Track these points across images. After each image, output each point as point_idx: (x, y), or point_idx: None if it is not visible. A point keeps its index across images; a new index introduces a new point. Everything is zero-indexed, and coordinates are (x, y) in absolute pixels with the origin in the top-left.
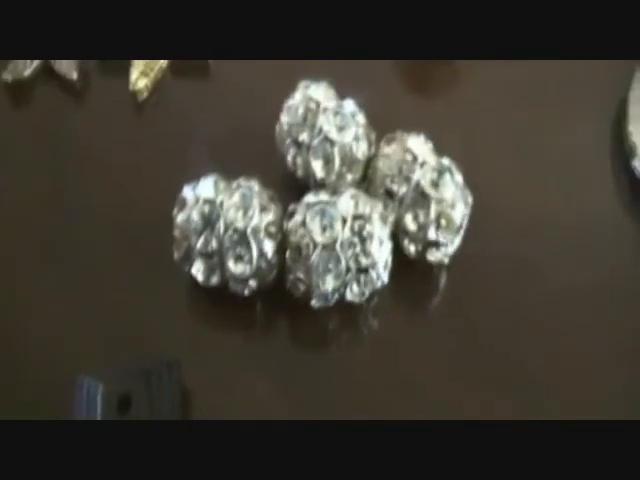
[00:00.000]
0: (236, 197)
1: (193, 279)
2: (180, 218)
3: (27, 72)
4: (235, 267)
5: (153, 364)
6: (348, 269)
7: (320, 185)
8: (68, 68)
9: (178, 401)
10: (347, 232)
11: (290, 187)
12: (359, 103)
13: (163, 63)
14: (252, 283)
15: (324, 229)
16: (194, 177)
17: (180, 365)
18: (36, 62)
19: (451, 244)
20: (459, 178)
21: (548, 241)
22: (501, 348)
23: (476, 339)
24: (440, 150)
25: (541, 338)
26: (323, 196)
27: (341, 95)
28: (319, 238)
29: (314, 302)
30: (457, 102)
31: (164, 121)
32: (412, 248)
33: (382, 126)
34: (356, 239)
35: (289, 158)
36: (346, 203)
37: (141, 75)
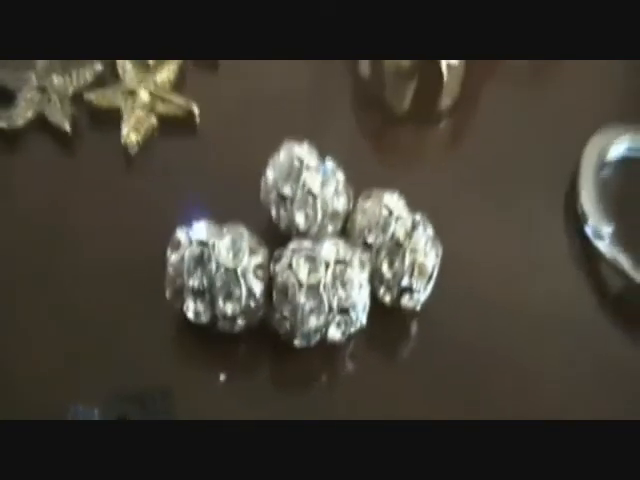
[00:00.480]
0: (227, 240)
1: (182, 317)
2: (173, 258)
3: (20, 121)
4: (225, 305)
5: (147, 391)
6: (330, 309)
7: (302, 235)
8: (60, 119)
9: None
10: (330, 275)
11: (274, 236)
12: (337, 162)
13: (153, 121)
14: (240, 322)
15: (309, 272)
16: (184, 223)
17: (173, 396)
18: (30, 112)
19: (423, 291)
20: (430, 231)
21: (510, 287)
22: (474, 391)
23: (452, 382)
24: (411, 206)
25: (513, 378)
26: (307, 243)
27: (321, 154)
28: (305, 280)
29: (297, 341)
30: (426, 163)
31: (154, 174)
32: (387, 296)
33: (357, 183)
34: (338, 282)
35: (273, 210)
36: (328, 249)
37: (132, 130)
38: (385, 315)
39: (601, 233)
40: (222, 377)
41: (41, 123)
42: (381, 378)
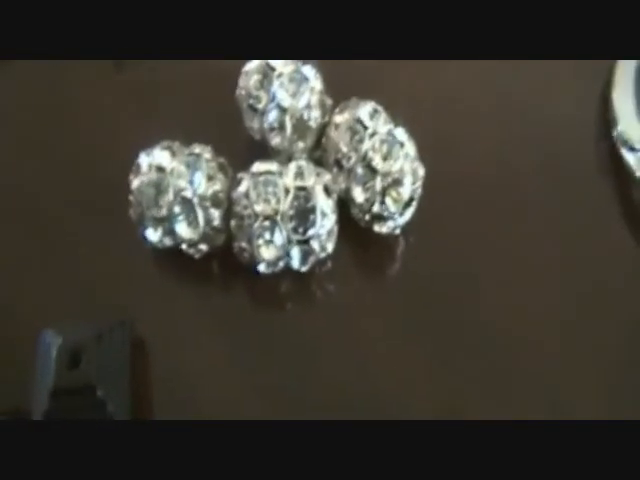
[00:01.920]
0: (186, 165)
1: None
2: (134, 184)
3: None
4: (184, 232)
5: (107, 322)
6: (289, 240)
7: (276, 151)
8: None
9: (127, 360)
10: (289, 204)
11: (248, 153)
12: (317, 68)
13: None
14: (202, 247)
15: (266, 200)
16: (156, 141)
17: (132, 325)
18: None
19: (400, 217)
20: (411, 150)
21: (505, 210)
22: (454, 316)
23: (430, 305)
24: (405, 118)
25: (496, 304)
26: (270, 166)
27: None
28: (260, 209)
29: (260, 268)
30: (427, 66)
31: (135, 85)
32: (360, 220)
33: (343, 91)
34: (298, 211)
35: (247, 123)
36: (291, 174)
37: None
38: (364, 235)
39: (632, 143)
40: (192, 303)
41: None
42: (360, 302)
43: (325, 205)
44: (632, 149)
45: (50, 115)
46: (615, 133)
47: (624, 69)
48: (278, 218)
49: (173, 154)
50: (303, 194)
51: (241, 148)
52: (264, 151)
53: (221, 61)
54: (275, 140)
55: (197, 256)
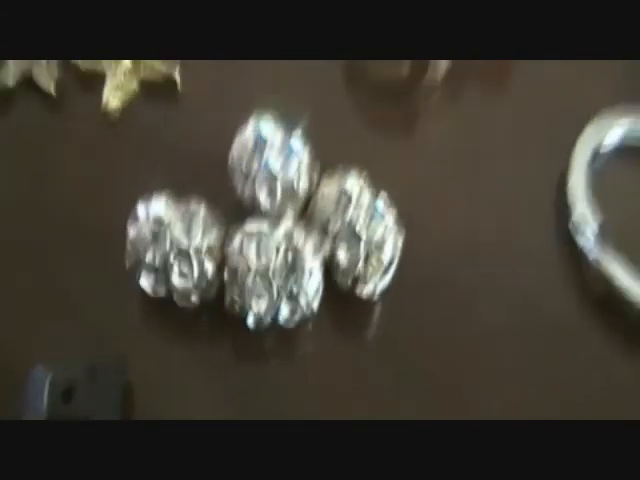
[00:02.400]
0: (182, 218)
1: (142, 289)
2: (132, 232)
3: (10, 81)
4: (178, 282)
5: (101, 360)
6: (279, 295)
7: (263, 214)
8: (46, 81)
9: (120, 398)
10: (279, 261)
11: (239, 209)
12: (305, 135)
13: (134, 86)
14: (194, 298)
15: (259, 257)
16: (152, 193)
17: (126, 363)
18: (18, 73)
19: (380, 281)
20: (390, 221)
21: (482, 276)
22: (433, 379)
23: (412, 370)
24: (383, 182)
25: (475, 368)
26: (261, 226)
27: (293, 125)
28: (253, 265)
29: (249, 322)
30: (410, 138)
31: (132, 139)
32: (343, 283)
33: (329, 157)
34: (287, 269)
35: (238, 187)
36: (281, 233)
37: (112, 95)
38: (343, 300)
39: (585, 230)
40: (182, 351)
41: (29, 84)
42: (342, 362)
43: (313, 265)
44: (585, 234)
45: (54, 159)
46: (571, 220)
47: (580, 156)
48: (269, 275)
49: (170, 205)
50: (292, 253)
51: (235, 202)
52: (252, 210)
53: (219, 116)
54: (265, 206)
55: (189, 306)
